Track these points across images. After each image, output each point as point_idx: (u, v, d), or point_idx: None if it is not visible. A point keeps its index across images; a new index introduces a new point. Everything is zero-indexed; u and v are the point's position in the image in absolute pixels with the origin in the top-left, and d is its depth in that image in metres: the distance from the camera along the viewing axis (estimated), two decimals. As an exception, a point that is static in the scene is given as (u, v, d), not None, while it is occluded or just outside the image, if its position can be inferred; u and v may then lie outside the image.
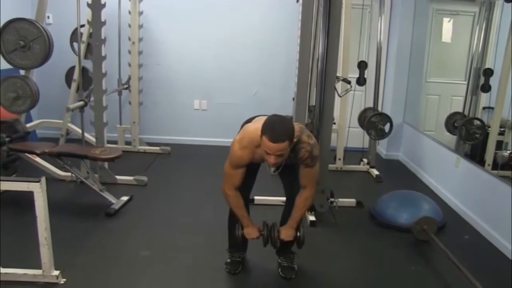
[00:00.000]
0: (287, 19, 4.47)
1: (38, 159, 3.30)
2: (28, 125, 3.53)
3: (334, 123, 3.57)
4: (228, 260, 2.27)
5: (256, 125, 1.90)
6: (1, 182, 1.95)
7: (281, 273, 2.22)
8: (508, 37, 3.05)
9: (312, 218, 2.87)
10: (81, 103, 3.26)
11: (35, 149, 3.02)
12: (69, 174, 3.26)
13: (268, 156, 1.80)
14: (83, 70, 3.52)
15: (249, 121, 2.12)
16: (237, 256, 2.28)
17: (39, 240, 1.96)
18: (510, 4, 3.11)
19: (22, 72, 3.31)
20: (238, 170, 1.95)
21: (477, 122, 3.51)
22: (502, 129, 3.29)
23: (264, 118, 1.86)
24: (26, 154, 3.21)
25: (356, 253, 2.57)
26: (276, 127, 1.76)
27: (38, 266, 2.02)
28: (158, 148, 4.43)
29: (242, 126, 2.09)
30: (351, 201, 3.23)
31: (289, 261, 2.24)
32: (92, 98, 3.34)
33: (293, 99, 3.92)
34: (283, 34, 4.53)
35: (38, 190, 1.91)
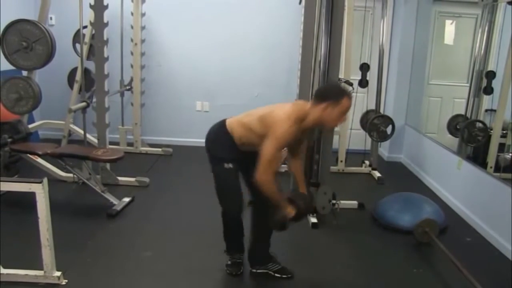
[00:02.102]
0: (289, 21, 4.47)
1: (40, 160, 3.31)
2: (30, 126, 3.54)
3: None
4: (229, 262, 2.27)
5: (288, 105, 1.94)
6: (3, 182, 1.96)
7: (281, 275, 2.20)
8: (510, 39, 3.04)
9: (314, 220, 2.87)
10: (83, 104, 3.26)
11: (37, 150, 3.02)
12: (71, 175, 3.26)
13: (342, 116, 1.89)
14: (86, 71, 3.53)
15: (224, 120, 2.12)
16: (237, 257, 2.27)
17: (40, 241, 1.97)
18: (512, 6, 3.11)
19: (24, 73, 3.32)
20: (281, 151, 1.92)
21: (479, 125, 3.50)
22: (504, 132, 3.28)
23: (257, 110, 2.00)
24: (28, 155, 3.21)
25: (357, 255, 2.56)
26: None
27: (40, 267, 2.02)
28: (160, 149, 4.44)
29: (220, 124, 2.10)
30: (353, 203, 3.22)
31: (276, 263, 2.23)
32: (94, 99, 3.35)
33: (296, 100, 3.92)
34: (286, 36, 4.53)
35: (40, 191, 1.91)
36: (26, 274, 2.03)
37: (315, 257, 2.18)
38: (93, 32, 3.43)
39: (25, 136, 3.22)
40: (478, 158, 3.33)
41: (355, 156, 4.18)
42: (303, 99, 2.84)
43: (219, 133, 2.08)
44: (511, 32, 3.03)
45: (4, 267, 2.02)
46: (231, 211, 2.09)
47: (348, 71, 3.74)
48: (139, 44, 4.20)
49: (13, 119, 3.24)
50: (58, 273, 2.04)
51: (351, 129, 3.99)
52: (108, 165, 3.41)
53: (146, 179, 3.48)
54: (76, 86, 3.96)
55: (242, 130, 2.02)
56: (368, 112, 4.14)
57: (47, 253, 1.99)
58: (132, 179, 3.46)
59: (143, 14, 4.21)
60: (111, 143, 3.57)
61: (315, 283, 2.21)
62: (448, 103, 4.33)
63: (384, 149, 4.72)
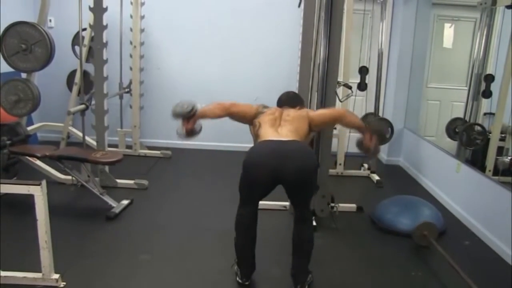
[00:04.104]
0: (288, 23, 4.48)
1: (38, 162, 3.30)
2: (29, 128, 3.53)
3: (335, 128, 3.57)
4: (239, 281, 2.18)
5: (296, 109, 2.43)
6: (2, 185, 1.95)
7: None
8: (509, 43, 3.05)
9: (312, 223, 2.86)
10: (82, 106, 3.26)
11: (36, 152, 3.02)
12: (69, 177, 3.26)
13: None
14: (85, 74, 3.53)
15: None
16: (245, 280, 2.16)
17: (39, 243, 1.96)
18: (511, 10, 3.12)
19: (23, 75, 3.32)
20: None
21: (478, 128, 3.51)
22: (503, 135, 3.29)
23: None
24: (27, 157, 3.21)
25: (356, 258, 2.56)
26: None
27: (38, 270, 2.01)
28: (159, 152, 4.43)
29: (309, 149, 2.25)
30: (352, 206, 3.22)
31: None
32: (93, 102, 3.35)
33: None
34: (285, 39, 4.54)
35: (39, 193, 1.90)
36: (25, 277, 2.02)
37: (313, 260, 2.17)
38: (93, 34, 3.43)
39: (24, 138, 3.22)
40: (476, 161, 3.34)
41: (353, 159, 4.17)
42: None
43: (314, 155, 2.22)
44: (510, 36, 3.04)
45: (2, 270, 2.01)
46: None
47: (347, 74, 3.75)
48: (138, 47, 4.20)
49: (12, 121, 3.24)
50: (57, 276, 2.04)
51: (350, 132, 3.99)
52: (107, 168, 3.40)
53: (145, 182, 3.47)
54: (75, 89, 3.96)
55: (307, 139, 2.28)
56: (367, 115, 4.14)
57: (46, 255, 1.98)
58: (131, 182, 3.45)
59: (142, 17, 4.21)
60: (110, 145, 3.56)
61: (313, 286, 2.20)
62: (447, 107, 4.34)
63: (383, 152, 4.72)
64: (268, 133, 2.14)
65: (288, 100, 2.44)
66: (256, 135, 2.26)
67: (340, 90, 3.17)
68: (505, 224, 2.57)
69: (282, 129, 2.18)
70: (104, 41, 3.21)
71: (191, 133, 2.27)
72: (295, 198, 2.12)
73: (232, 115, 2.32)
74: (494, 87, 3.40)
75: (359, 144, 2.29)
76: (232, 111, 2.31)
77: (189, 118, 2.24)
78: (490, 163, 3.08)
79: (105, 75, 3.27)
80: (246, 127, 2.45)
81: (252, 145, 2.31)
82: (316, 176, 2.12)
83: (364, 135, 2.26)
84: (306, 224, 2.13)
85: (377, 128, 2.30)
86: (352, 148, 4.09)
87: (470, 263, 2.43)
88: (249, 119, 2.31)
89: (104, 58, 3.24)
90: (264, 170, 2.00)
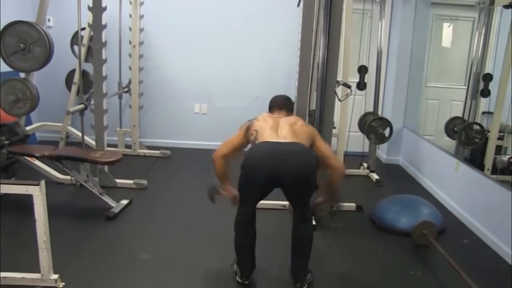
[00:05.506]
0: (287, 23, 4.48)
1: (37, 162, 3.30)
2: (27, 128, 3.52)
3: (334, 128, 3.56)
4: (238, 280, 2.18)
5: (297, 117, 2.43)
6: (0, 185, 1.94)
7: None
8: (507, 42, 3.06)
9: (312, 222, 2.86)
10: (81, 106, 3.26)
11: (35, 152, 3.01)
12: (68, 177, 3.25)
13: None
14: (84, 73, 3.53)
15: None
16: (245, 280, 2.16)
17: (38, 243, 1.96)
18: (509, 9, 3.13)
19: (22, 74, 3.32)
20: None
21: (476, 127, 3.52)
22: (501, 134, 3.29)
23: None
24: (26, 157, 3.20)
25: (355, 257, 2.56)
26: None
27: (37, 270, 2.01)
28: (158, 151, 4.43)
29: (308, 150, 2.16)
30: (351, 205, 3.23)
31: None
32: (92, 101, 3.34)
33: (294, 103, 3.92)
34: (285, 38, 4.54)
35: (38, 194, 1.90)
36: (23, 277, 2.02)
37: (312, 258, 2.17)
38: (91, 34, 3.42)
39: (22, 138, 3.21)
40: (475, 160, 3.34)
41: (353, 159, 4.18)
42: (301, 102, 2.87)
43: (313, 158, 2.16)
44: (508, 35, 3.05)
45: (1, 270, 2.01)
46: None
47: (346, 74, 3.74)
48: (137, 46, 4.20)
49: (10, 121, 3.23)
50: (55, 276, 2.03)
51: (349, 131, 3.99)
52: (106, 168, 3.39)
53: (144, 182, 3.47)
54: (74, 88, 3.96)
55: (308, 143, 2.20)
56: (366, 115, 4.15)
57: (44, 256, 1.98)
58: (130, 182, 3.45)
59: (141, 16, 4.21)
60: (109, 145, 3.55)
61: (313, 285, 2.21)
62: (446, 106, 4.35)
63: (382, 152, 4.73)
64: (267, 135, 2.13)
65: (280, 104, 2.41)
66: (255, 140, 2.20)
67: (339, 90, 3.16)
68: (504, 222, 2.58)
69: (281, 131, 2.17)
70: (103, 40, 3.20)
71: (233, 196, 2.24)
72: (294, 199, 2.12)
73: (230, 155, 2.23)
74: (493, 86, 3.40)
75: (313, 202, 2.24)
76: (227, 154, 2.22)
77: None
78: (488, 162, 3.09)
79: (104, 74, 3.26)
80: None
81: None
82: (315, 176, 2.13)
83: (325, 195, 2.29)
84: (306, 223, 2.14)
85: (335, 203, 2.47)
86: (352, 147, 4.13)
87: (469, 261, 2.44)
88: (245, 142, 2.26)
89: (103, 57, 3.23)
90: (263, 172, 2.00)
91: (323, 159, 2.22)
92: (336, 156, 2.41)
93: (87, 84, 3.68)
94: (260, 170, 2.00)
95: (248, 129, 2.23)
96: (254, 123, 2.23)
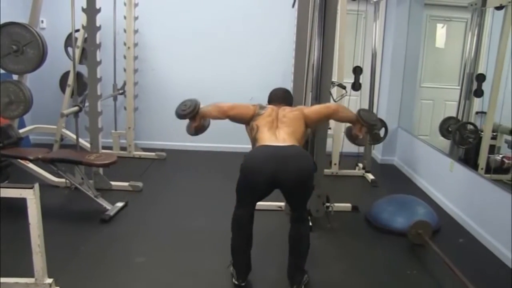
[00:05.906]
0: (283, 23, 4.48)
1: (31, 165, 3.27)
2: (21, 130, 3.50)
3: (330, 128, 3.58)
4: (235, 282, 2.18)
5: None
6: (-6, 188, 1.92)
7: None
8: (499, 43, 3.09)
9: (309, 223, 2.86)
10: (76, 108, 3.24)
11: (28, 155, 2.99)
12: (63, 180, 3.23)
13: None
14: (78, 75, 3.51)
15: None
16: (241, 281, 2.15)
17: (32, 247, 1.93)
18: (500, 11, 3.16)
19: (15, 76, 3.29)
20: None
21: (470, 127, 3.54)
22: (494, 134, 3.32)
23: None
24: (19, 160, 3.17)
25: (351, 257, 2.57)
26: None
27: (31, 274, 1.98)
28: (153, 153, 4.41)
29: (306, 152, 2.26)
30: (347, 206, 3.23)
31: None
32: (87, 104, 3.32)
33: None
34: (280, 39, 4.55)
35: (31, 197, 1.88)
36: (17, 282, 1.99)
37: (308, 259, 2.18)
38: (86, 35, 3.41)
39: (15, 141, 3.18)
40: (469, 159, 3.36)
41: (348, 159, 4.19)
42: (297, 102, 2.87)
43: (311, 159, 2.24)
44: (499, 36, 3.08)
45: (-6, 275, 1.99)
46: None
47: (341, 74, 3.76)
48: (132, 48, 4.18)
49: (3, 124, 3.20)
50: (50, 280, 2.01)
51: (344, 132, 4.01)
52: (101, 170, 3.38)
53: (140, 184, 3.46)
54: (68, 90, 3.93)
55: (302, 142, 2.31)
56: (361, 115, 4.16)
57: (38, 259, 1.95)
58: (126, 184, 3.43)
59: (136, 18, 4.19)
60: (104, 147, 3.53)
61: (309, 285, 2.21)
62: (440, 106, 4.38)
63: (377, 152, 4.75)
64: (266, 138, 2.17)
65: (280, 98, 2.50)
66: (254, 139, 2.28)
67: (334, 90, 3.18)
68: (498, 221, 2.60)
69: (279, 133, 2.20)
70: (98, 42, 3.19)
71: (199, 130, 2.41)
72: (293, 201, 2.14)
73: (230, 117, 2.36)
74: (486, 86, 3.43)
75: (348, 132, 2.44)
76: (230, 114, 2.36)
77: (194, 117, 2.35)
78: (482, 161, 3.11)
79: (98, 76, 3.24)
80: (241, 128, 2.45)
81: (249, 146, 2.31)
82: (313, 178, 2.15)
83: (355, 125, 2.45)
84: (303, 224, 2.15)
85: (367, 120, 2.41)
86: (347, 148, 4.14)
87: (464, 261, 2.45)
88: (246, 120, 2.34)
89: (98, 59, 3.22)
90: (263, 176, 2.02)
91: (321, 117, 2.43)
92: (325, 104, 2.59)
93: (81, 86, 3.66)
94: (260, 174, 2.02)
95: (254, 116, 2.31)
96: (260, 117, 2.29)
